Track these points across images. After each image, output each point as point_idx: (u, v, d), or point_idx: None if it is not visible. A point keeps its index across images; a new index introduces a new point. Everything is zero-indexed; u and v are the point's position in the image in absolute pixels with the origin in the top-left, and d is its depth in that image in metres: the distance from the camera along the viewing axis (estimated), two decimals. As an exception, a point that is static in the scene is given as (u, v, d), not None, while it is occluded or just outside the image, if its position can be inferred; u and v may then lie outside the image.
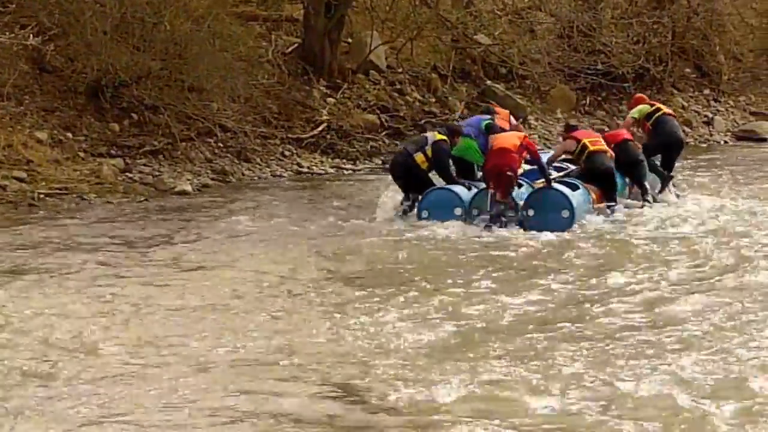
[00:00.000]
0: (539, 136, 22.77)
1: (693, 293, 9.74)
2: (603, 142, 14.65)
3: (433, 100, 22.95)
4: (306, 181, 18.21)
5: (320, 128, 20.35)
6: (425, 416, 6.61)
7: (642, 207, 14.50)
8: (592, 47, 24.07)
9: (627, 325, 8.73)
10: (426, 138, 14.56)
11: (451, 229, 13.19)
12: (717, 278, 10.41)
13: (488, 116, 15.18)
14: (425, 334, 8.41)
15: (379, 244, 12.52)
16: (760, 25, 29.65)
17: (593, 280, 10.41)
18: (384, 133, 21.21)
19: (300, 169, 19.08)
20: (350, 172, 19.23)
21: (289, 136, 19.91)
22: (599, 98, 23.72)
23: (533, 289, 10.03)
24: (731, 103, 27.33)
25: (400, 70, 22.94)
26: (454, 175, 14.43)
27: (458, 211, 14.06)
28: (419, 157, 14.24)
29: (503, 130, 14.68)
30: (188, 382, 7.30)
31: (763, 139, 24.65)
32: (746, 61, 28.64)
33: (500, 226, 13.34)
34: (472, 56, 23.96)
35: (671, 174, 15.81)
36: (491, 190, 13.54)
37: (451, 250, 12.17)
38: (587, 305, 9.40)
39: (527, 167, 14.53)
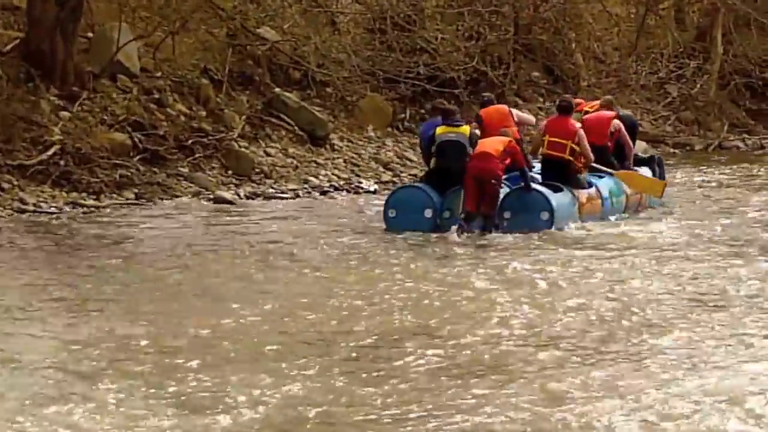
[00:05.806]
0: (345, 161, 21.17)
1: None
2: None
3: (204, 113, 20.88)
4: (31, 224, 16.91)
5: (51, 152, 18.69)
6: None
7: None
8: (412, 45, 22.83)
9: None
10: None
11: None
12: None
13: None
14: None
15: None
16: (627, 16, 27.98)
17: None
18: (138, 157, 19.32)
19: (23, 206, 17.30)
20: (92, 209, 17.71)
21: (9, 162, 18.32)
22: (423, 110, 22.04)
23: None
24: (593, 115, 26.62)
25: (159, 74, 21.08)
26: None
27: (428, 213, 14.99)
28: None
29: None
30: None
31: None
32: (610, 62, 26.99)
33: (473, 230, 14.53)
34: (255, 56, 22.25)
35: None
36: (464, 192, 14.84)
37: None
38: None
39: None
